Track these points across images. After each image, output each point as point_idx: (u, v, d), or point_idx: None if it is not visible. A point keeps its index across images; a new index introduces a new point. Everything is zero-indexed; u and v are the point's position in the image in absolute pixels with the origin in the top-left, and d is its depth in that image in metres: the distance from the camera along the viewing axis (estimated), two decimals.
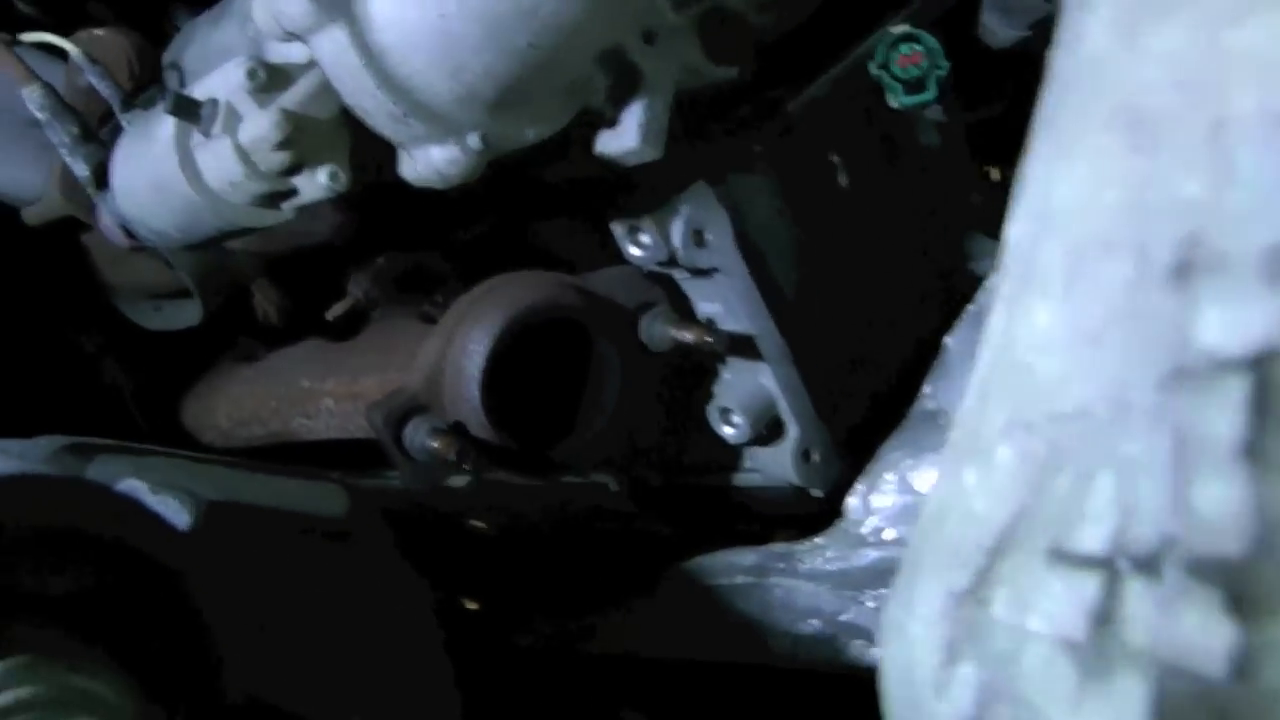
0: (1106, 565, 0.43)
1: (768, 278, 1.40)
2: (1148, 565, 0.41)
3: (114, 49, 1.58)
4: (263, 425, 1.69)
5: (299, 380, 1.61)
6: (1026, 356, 0.54)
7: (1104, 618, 0.42)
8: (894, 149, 1.60)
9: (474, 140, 1.11)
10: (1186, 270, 0.41)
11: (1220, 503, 0.38)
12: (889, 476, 1.31)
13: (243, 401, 1.74)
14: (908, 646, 0.59)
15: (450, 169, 1.13)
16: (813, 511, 1.51)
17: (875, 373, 1.57)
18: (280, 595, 1.02)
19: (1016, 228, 0.65)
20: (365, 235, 1.66)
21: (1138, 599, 0.41)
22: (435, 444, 1.21)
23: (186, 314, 1.74)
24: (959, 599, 0.53)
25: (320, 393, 1.55)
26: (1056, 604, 0.45)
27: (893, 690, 0.62)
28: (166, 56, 1.48)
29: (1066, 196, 0.55)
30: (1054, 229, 0.55)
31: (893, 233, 1.60)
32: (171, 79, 1.44)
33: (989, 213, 1.71)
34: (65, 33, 1.62)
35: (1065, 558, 0.45)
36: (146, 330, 1.85)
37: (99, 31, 1.59)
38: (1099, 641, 0.43)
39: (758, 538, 1.55)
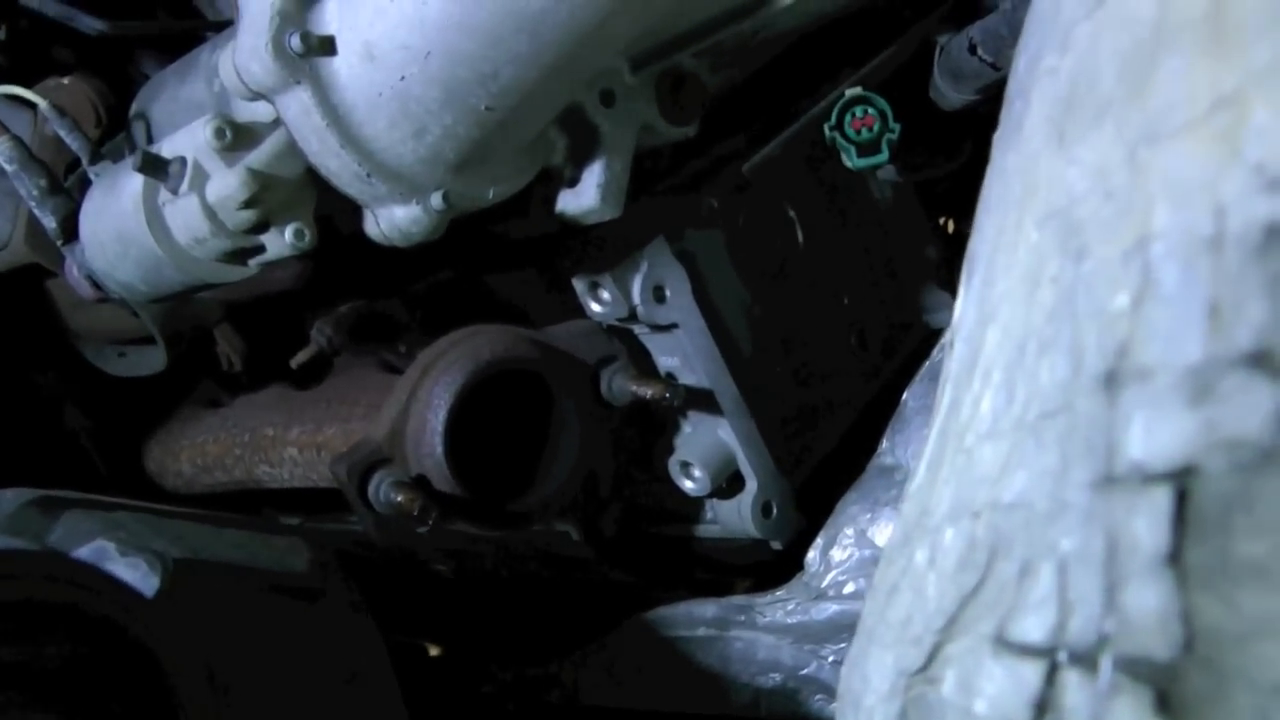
0: (1047, 655, 0.45)
1: (725, 332, 1.43)
2: (1085, 659, 0.42)
3: (80, 98, 1.60)
4: (226, 472, 1.70)
5: (263, 428, 1.62)
6: (971, 441, 0.56)
7: (1044, 707, 0.44)
8: (845, 203, 1.63)
9: (436, 200, 1.13)
10: (1115, 379, 0.43)
11: (1148, 607, 0.40)
12: (848, 531, 1.33)
13: (206, 448, 1.74)
14: (863, 718, 0.61)
15: (413, 228, 1.15)
16: (769, 561, 1.54)
17: (830, 425, 1.59)
18: (244, 654, 1.03)
19: (964, 308, 0.67)
20: (326, 282, 1.67)
21: (1075, 691, 0.43)
22: (399, 498, 1.22)
23: (150, 360, 1.75)
24: (910, 678, 0.55)
25: (284, 441, 1.56)
26: (1000, 690, 0.47)
27: None
28: (134, 107, 1.49)
29: (1006, 288, 0.57)
30: (996, 318, 0.57)
31: (845, 286, 1.63)
32: (138, 131, 1.45)
33: (944, 265, 1.74)
34: (30, 77, 1.63)
35: (1009, 645, 0.47)
36: (106, 374, 1.86)
37: (65, 80, 1.61)
38: None
39: (716, 587, 1.57)
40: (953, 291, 1.68)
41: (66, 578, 0.82)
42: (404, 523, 1.25)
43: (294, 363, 1.73)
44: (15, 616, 0.76)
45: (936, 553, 0.56)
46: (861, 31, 1.45)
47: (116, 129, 1.61)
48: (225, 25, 1.59)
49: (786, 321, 1.54)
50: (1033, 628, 0.46)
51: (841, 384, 1.61)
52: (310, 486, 1.56)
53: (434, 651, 2.04)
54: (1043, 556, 0.46)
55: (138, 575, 0.92)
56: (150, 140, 1.44)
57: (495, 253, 1.45)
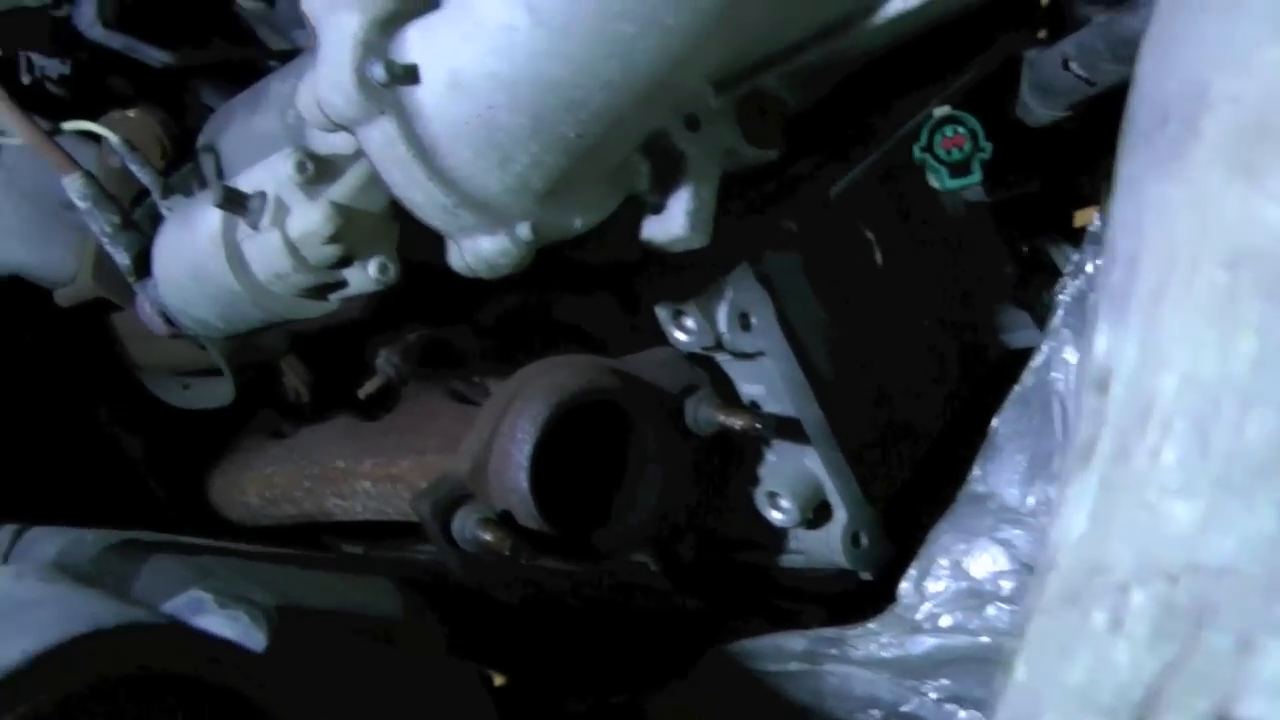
0: None
1: (807, 358, 1.39)
2: None
3: (145, 130, 1.57)
4: (294, 504, 1.68)
5: (333, 460, 1.60)
6: (1154, 496, 0.52)
7: None
8: (920, 222, 1.60)
9: (524, 231, 1.11)
10: None
11: None
12: (942, 562, 1.29)
13: (273, 479, 1.72)
14: None
15: (500, 259, 1.12)
16: (850, 590, 1.51)
17: (909, 450, 1.56)
18: (353, 707, 1.01)
19: (1116, 347, 0.63)
20: (392, 310, 1.65)
21: None
22: (487, 536, 1.19)
23: (216, 393, 1.73)
24: None
25: (356, 474, 1.54)
26: None
27: None
28: (201, 139, 1.47)
29: (1181, 331, 0.53)
30: (1171, 363, 0.54)
31: (922, 307, 1.59)
32: (207, 163, 1.43)
33: (1020, 284, 1.70)
34: (90, 109, 1.62)
35: None
36: (166, 403, 1.84)
37: (130, 113, 1.59)
38: None
39: (790, 617, 1.54)
40: (1030, 311, 1.65)
41: (189, 649, 0.79)
42: (491, 561, 1.23)
43: (362, 393, 1.70)
44: (137, 692, 0.74)
45: (1122, 616, 0.52)
46: (940, 46, 1.42)
47: (181, 160, 1.59)
48: (290, 54, 1.57)
49: (864, 345, 1.50)
50: (1262, 709, 0.43)
51: (920, 408, 1.58)
52: (383, 519, 1.53)
53: (498, 680, 2.01)
54: (1264, 629, 0.43)
55: (240, 629, 0.90)
56: (220, 173, 1.42)
57: (568, 278, 1.42)
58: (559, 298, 1.54)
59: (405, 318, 1.68)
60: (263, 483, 1.75)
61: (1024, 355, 1.70)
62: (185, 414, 1.83)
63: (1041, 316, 1.62)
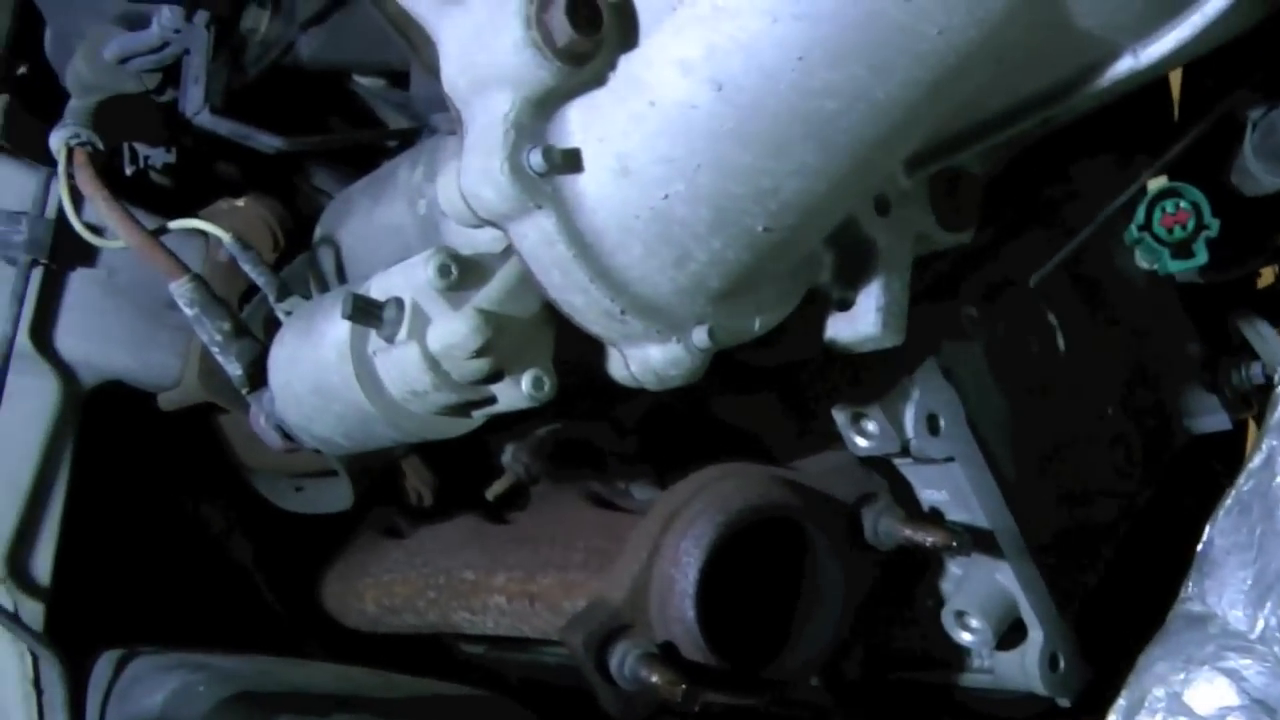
0: None
1: (994, 460, 1.26)
2: None
3: (255, 222, 1.47)
4: (417, 615, 1.55)
5: (460, 570, 1.47)
6: None
7: None
8: (1102, 302, 1.46)
9: (700, 337, 0.97)
10: None
11: None
12: (1157, 693, 1.14)
13: (394, 588, 1.60)
14: None
15: (671, 370, 0.98)
16: (1041, 715, 1.37)
17: (1095, 555, 1.42)
18: None
19: None
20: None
21: None
22: (653, 677, 1.06)
23: (332, 497, 1.61)
24: None
25: (488, 588, 1.41)
26: None
27: None
28: (319, 231, 1.35)
29: None
30: None
31: (1106, 394, 1.45)
32: (326, 258, 1.30)
33: (1208, 365, 1.55)
34: (195, 198, 1.51)
35: None
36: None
37: (239, 202, 1.48)
38: None
39: None
40: (1219, 394, 1.51)
41: None
42: (656, 702, 1.09)
43: (490, 494, 1.58)
44: None
45: None
46: (1143, 108, 1.28)
47: (294, 250, 1.47)
48: (412, 132, 1.45)
49: (1047, 439, 1.37)
50: None
51: (1105, 507, 1.44)
52: (516, 636, 1.40)
53: None
54: None
55: None
56: (341, 269, 1.30)
57: (728, 375, 1.29)
58: (715, 396, 1.40)
59: (536, 412, 1.56)
60: (382, 591, 1.63)
61: (1211, 441, 1.57)
62: (297, 515, 1.71)
63: (1231, 400, 1.49)
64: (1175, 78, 1.39)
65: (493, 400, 1.01)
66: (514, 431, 1.58)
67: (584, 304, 0.95)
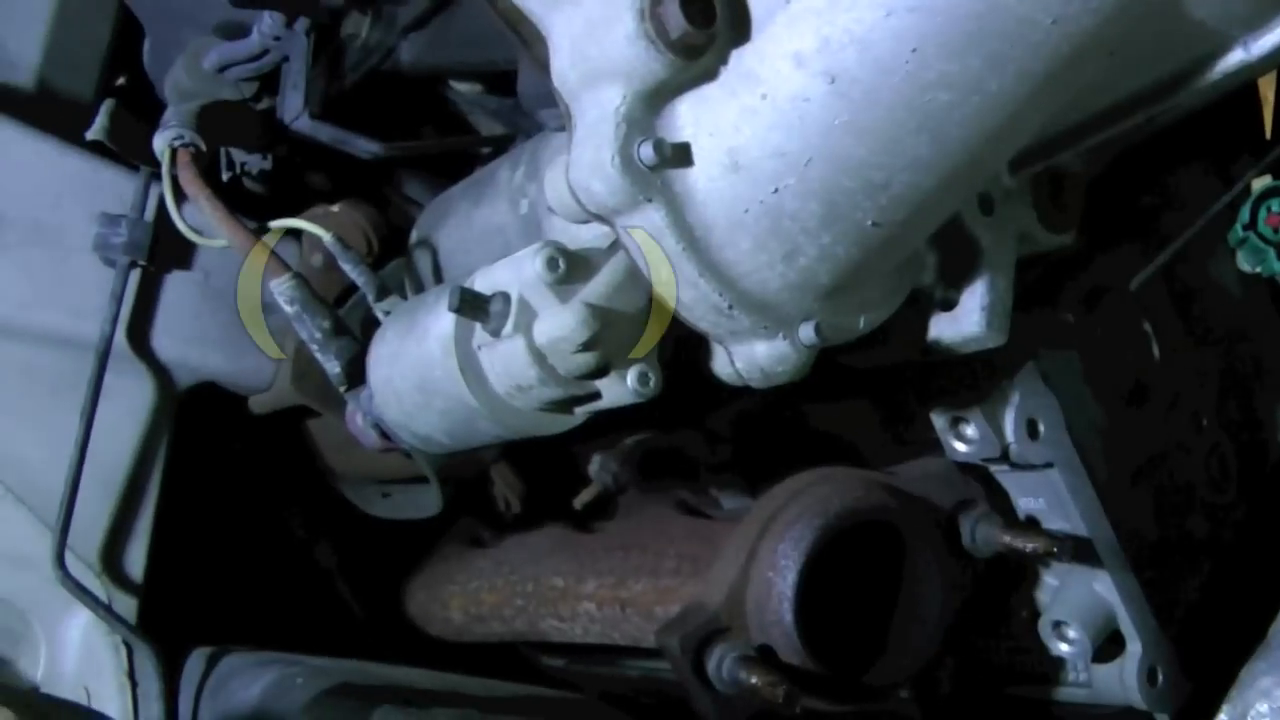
0: None
1: (1090, 468, 1.24)
2: None
3: (351, 226, 1.47)
4: (504, 623, 1.55)
5: (549, 578, 1.46)
6: None
7: None
8: (1198, 309, 1.44)
9: (807, 333, 0.96)
10: None
11: None
12: (1260, 708, 1.12)
13: (481, 596, 1.59)
14: None
15: (778, 367, 0.98)
16: None
17: (1193, 568, 1.40)
18: None
19: None
20: (611, 412, 1.52)
21: None
22: (753, 679, 1.05)
23: (420, 503, 1.61)
24: None
25: (578, 595, 1.40)
26: None
27: None
28: (415, 233, 1.36)
29: None
30: None
31: (1202, 404, 1.44)
32: (422, 260, 1.31)
33: None
34: (288, 204, 1.52)
35: None
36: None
37: (334, 208, 1.49)
38: None
39: None
40: None
41: None
42: (754, 706, 1.08)
43: (578, 503, 1.57)
44: None
45: None
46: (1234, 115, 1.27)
47: (386, 257, 1.48)
48: (506, 139, 1.46)
49: (1141, 449, 1.35)
50: None
51: (1201, 520, 1.42)
52: (608, 644, 1.39)
53: None
54: None
55: None
56: (438, 270, 1.30)
57: (824, 382, 1.28)
58: (810, 402, 1.40)
59: (624, 421, 1.55)
60: (468, 599, 1.62)
61: None
62: (382, 521, 1.72)
63: None
64: (1264, 83, 1.37)
65: (597, 396, 1.01)
66: (601, 442, 1.58)
67: (692, 298, 0.94)
